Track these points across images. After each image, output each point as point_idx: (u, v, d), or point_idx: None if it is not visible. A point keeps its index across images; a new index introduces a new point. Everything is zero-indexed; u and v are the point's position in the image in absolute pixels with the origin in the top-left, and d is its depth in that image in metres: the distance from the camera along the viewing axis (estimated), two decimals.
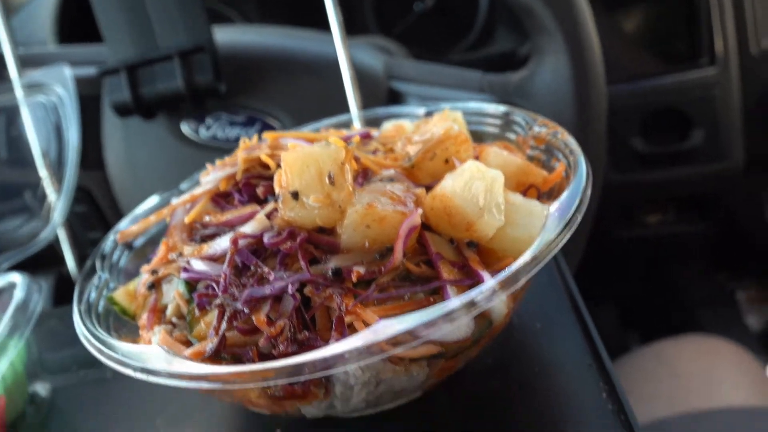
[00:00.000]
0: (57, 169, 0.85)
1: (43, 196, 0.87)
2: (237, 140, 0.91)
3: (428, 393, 0.53)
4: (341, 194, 0.48)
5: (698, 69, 1.21)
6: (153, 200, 0.70)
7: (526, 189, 0.56)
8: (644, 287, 1.69)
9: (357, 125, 0.78)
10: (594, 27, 0.85)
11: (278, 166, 0.55)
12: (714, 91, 1.21)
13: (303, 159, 0.49)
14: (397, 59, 1.01)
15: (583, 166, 0.51)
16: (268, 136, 0.57)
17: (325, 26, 1.05)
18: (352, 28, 1.49)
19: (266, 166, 0.56)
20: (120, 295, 0.55)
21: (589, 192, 0.49)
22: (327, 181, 0.48)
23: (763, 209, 1.34)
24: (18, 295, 0.62)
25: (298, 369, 0.39)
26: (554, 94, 0.86)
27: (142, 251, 0.63)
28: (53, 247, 0.93)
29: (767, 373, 1.16)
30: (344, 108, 0.86)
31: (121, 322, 0.55)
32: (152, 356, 0.43)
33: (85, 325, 0.49)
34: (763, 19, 1.19)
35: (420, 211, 0.47)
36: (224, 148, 0.92)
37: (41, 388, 0.68)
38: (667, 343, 1.18)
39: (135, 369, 0.43)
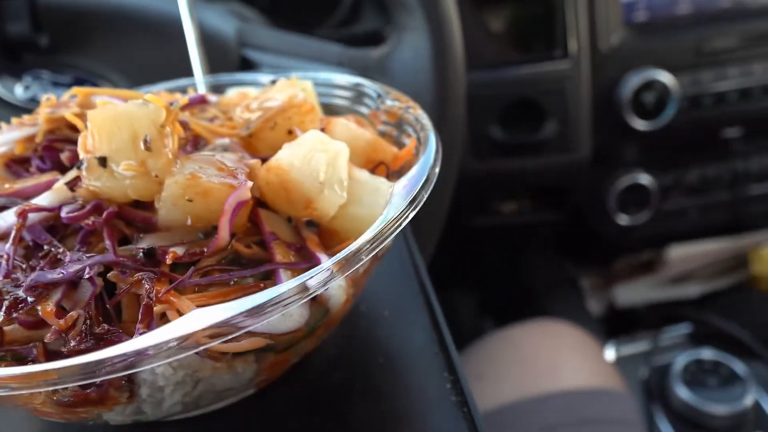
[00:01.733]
0: None
1: None
2: None
3: (263, 389, 0.48)
4: (159, 162, 0.41)
5: (552, 61, 1.24)
6: None
7: (375, 166, 0.52)
8: (498, 274, 1.74)
9: (201, 91, 0.70)
10: (453, 3, 0.83)
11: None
12: (566, 84, 1.25)
13: (114, 119, 0.41)
14: (252, 26, 0.94)
15: (432, 141, 0.48)
16: (77, 92, 0.48)
17: None
18: None
19: (75, 128, 0.48)
20: None
21: (437, 169, 0.46)
22: (142, 146, 0.41)
23: (606, 202, 1.42)
24: None
25: (88, 369, 0.32)
26: (413, 72, 0.83)
27: None
28: None
29: (604, 354, 1.23)
30: (190, 73, 0.78)
31: None
32: None
33: None
34: (613, 17, 1.25)
35: (250, 183, 0.41)
36: None
37: None
38: (515, 328, 1.21)
39: None
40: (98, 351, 0.33)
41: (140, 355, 0.32)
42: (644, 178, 1.40)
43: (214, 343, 0.34)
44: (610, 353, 1.49)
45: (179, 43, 0.79)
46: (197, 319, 0.34)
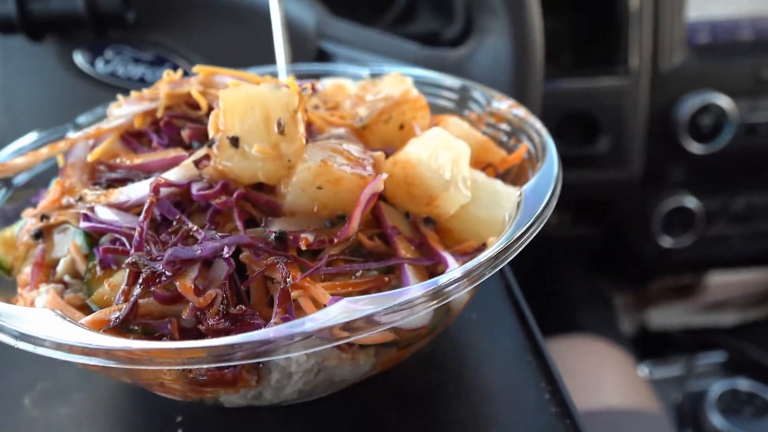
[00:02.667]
0: None
1: None
2: (140, 80, 0.80)
3: (361, 382, 0.47)
4: (292, 146, 0.41)
5: (612, 77, 1.23)
6: (31, 137, 0.57)
7: (485, 167, 0.51)
8: (533, 285, 1.73)
9: (283, 79, 0.70)
10: (539, 11, 0.82)
11: (211, 108, 0.47)
12: (623, 101, 1.25)
13: (248, 100, 0.41)
14: (330, 18, 0.93)
15: (553, 150, 0.48)
16: (200, 70, 0.48)
17: None
18: None
19: (194, 106, 0.48)
20: None
21: (560, 178, 0.45)
22: (276, 129, 0.41)
23: (650, 222, 1.41)
24: None
25: (234, 350, 0.32)
26: (492, 77, 0.83)
27: (22, 192, 0.52)
28: None
29: (638, 373, 1.22)
30: (265, 59, 0.78)
31: None
32: (40, 321, 0.34)
33: None
34: (677, 38, 1.24)
35: (384, 176, 0.41)
36: (123, 88, 0.79)
37: None
38: (557, 341, 1.21)
39: (15, 336, 0.33)
40: (242, 333, 0.32)
41: (284, 342, 0.32)
42: (690, 202, 1.38)
43: (354, 338, 0.34)
44: (643, 375, 1.48)
45: (258, 29, 0.79)
46: (343, 311, 0.33)
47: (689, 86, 1.27)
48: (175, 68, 0.80)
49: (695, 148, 1.27)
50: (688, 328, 1.60)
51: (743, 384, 1.31)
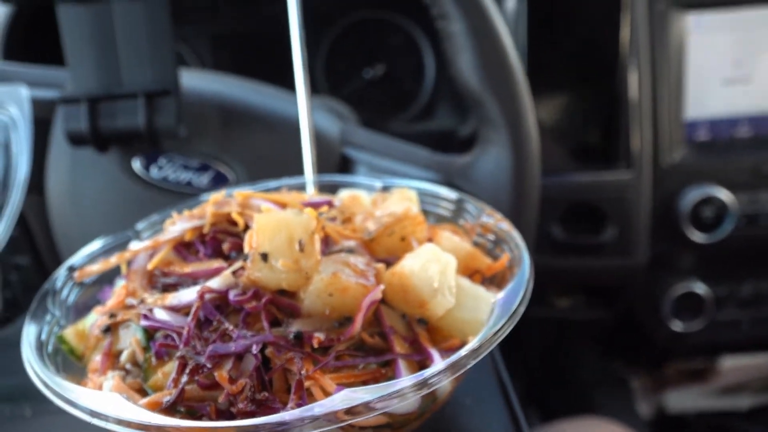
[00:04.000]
0: None
1: None
2: (188, 184, 0.92)
3: None
4: (309, 261, 0.51)
5: (615, 171, 1.33)
6: (97, 244, 0.68)
7: (472, 273, 0.61)
8: (546, 367, 1.78)
9: (309, 190, 0.81)
10: (536, 125, 0.94)
11: (246, 225, 0.58)
12: (627, 193, 1.33)
13: (276, 224, 0.52)
14: (352, 126, 1.06)
15: (527, 261, 0.57)
16: (238, 195, 0.59)
17: (275, 72, 1.09)
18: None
19: (233, 223, 0.59)
20: (70, 334, 0.55)
21: (531, 285, 0.54)
22: (297, 247, 0.51)
23: (660, 307, 1.46)
24: None
25: (258, 430, 0.41)
26: (494, 182, 0.93)
27: (89, 288, 0.63)
28: None
29: None
30: (296, 165, 0.90)
31: (68, 363, 0.54)
32: (109, 402, 0.44)
33: (38, 363, 0.49)
34: (676, 135, 1.34)
35: (382, 287, 0.51)
36: (173, 191, 0.92)
37: None
38: (567, 425, 1.25)
39: (89, 413, 0.43)
40: (263, 415, 0.42)
41: (297, 423, 0.41)
42: (699, 287, 1.44)
43: (353, 420, 0.43)
44: None
45: (290, 139, 0.92)
46: (343, 399, 0.42)
47: (690, 180, 1.35)
48: (218, 174, 0.93)
49: (698, 237, 1.34)
50: (704, 412, 1.62)
51: None
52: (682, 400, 1.65)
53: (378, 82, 1.72)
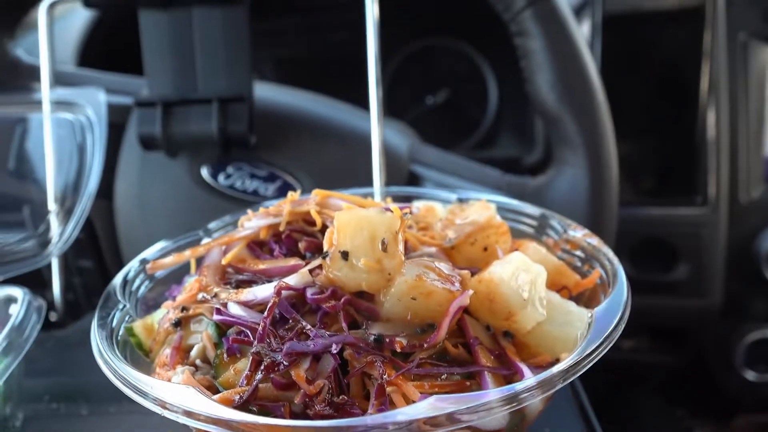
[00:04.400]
0: (70, 192, 0.83)
1: (46, 217, 0.85)
2: (254, 193, 0.91)
3: None
4: (393, 262, 0.48)
5: (690, 207, 1.27)
6: (160, 245, 0.67)
7: (559, 290, 0.57)
8: (605, 410, 1.68)
9: (378, 199, 0.79)
10: (615, 147, 0.90)
11: (325, 225, 0.55)
12: (703, 231, 1.27)
13: (358, 221, 0.49)
14: (420, 144, 1.04)
15: (623, 278, 0.53)
16: (317, 193, 0.57)
17: (338, 94, 1.08)
18: (366, 107, 1.55)
19: (309, 222, 0.56)
20: (139, 327, 0.53)
21: (629, 305, 0.50)
22: (380, 246, 0.48)
23: (732, 354, 1.38)
24: (18, 312, 0.59)
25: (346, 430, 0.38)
26: (569, 205, 0.89)
27: (159, 285, 0.61)
28: (40, 268, 0.89)
29: None
30: (363, 180, 0.88)
31: (134, 357, 0.52)
32: (181, 394, 0.41)
33: (109, 351, 0.47)
34: (755, 171, 1.27)
35: (470, 292, 0.47)
36: (240, 199, 0.91)
37: (13, 416, 0.64)
38: None
39: (160, 405, 0.41)
40: (345, 418, 0.39)
41: (382, 428, 0.38)
42: None
43: (438, 431, 0.39)
44: None
45: (359, 154, 0.90)
46: (430, 407, 0.39)
47: None
48: (284, 184, 0.92)
49: None
50: None
51: None
52: None
53: (440, 109, 1.71)
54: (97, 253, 0.98)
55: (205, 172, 0.92)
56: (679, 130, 1.29)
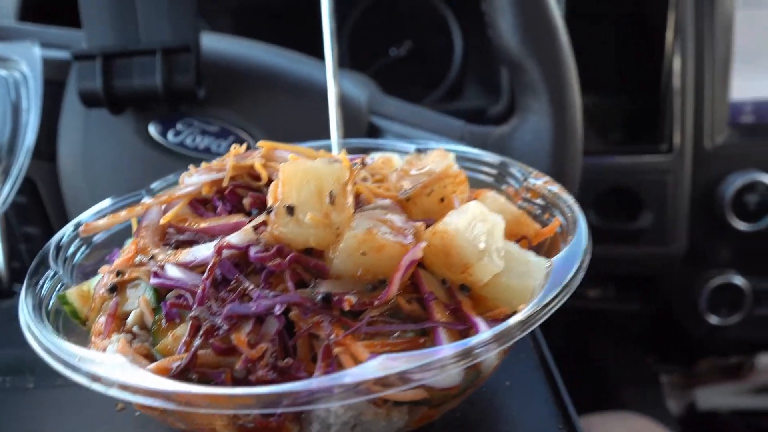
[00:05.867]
0: (5, 152, 0.78)
1: None
2: (206, 150, 0.87)
3: None
4: (341, 215, 0.45)
5: (655, 155, 1.26)
6: (106, 203, 0.64)
7: (518, 239, 0.55)
8: (576, 359, 1.71)
9: (335, 152, 0.76)
10: (579, 93, 0.87)
11: (270, 179, 0.52)
12: (667, 178, 1.26)
13: (304, 173, 0.46)
14: (381, 95, 1.00)
15: (583, 225, 0.51)
16: (262, 145, 0.53)
17: (301, 50, 1.03)
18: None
19: (255, 177, 0.53)
20: (73, 294, 0.50)
21: (589, 253, 0.48)
22: (327, 199, 0.45)
23: (697, 299, 1.39)
24: None
25: (281, 399, 0.35)
26: (532, 155, 0.87)
27: (99, 250, 0.58)
28: None
29: None
30: (320, 133, 0.84)
31: (68, 328, 0.49)
32: (112, 365, 0.38)
33: (34, 322, 0.44)
34: (719, 117, 1.26)
35: (423, 244, 0.45)
36: (191, 157, 0.87)
37: None
38: (595, 418, 1.19)
39: (90, 378, 0.38)
40: (288, 383, 0.36)
41: (326, 393, 0.36)
42: (738, 280, 1.37)
43: (389, 392, 0.37)
44: None
45: (315, 106, 0.86)
46: (378, 367, 0.37)
47: (733, 165, 1.28)
48: (237, 140, 0.88)
49: (741, 226, 1.27)
50: (738, 410, 1.55)
51: None
52: (714, 397, 1.57)
53: (404, 60, 1.66)
54: (44, 218, 0.93)
55: (153, 130, 0.88)
56: (645, 79, 1.27)
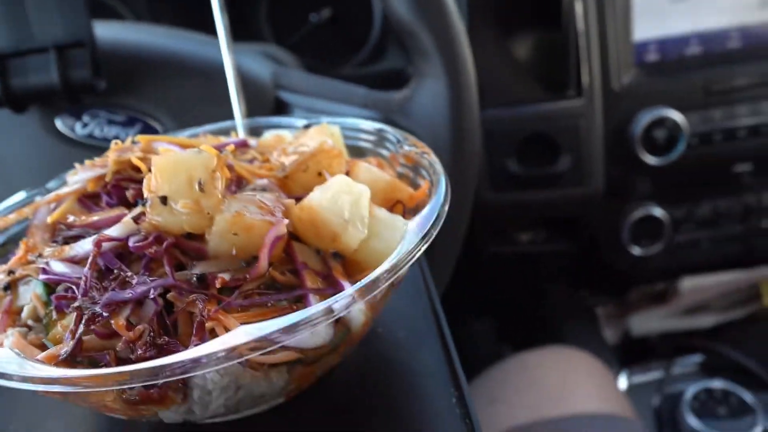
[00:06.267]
0: None
1: None
2: (115, 140, 0.89)
3: (292, 399, 0.55)
4: (210, 201, 0.49)
5: (566, 100, 1.31)
6: (18, 196, 0.67)
7: (393, 204, 0.59)
8: (516, 301, 1.79)
9: (240, 133, 0.79)
10: (470, 54, 0.91)
11: (150, 170, 0.55)
12: (579, 121, 1.32)
13: (174, 164, 0.49)
14: (285, 69, 1.03)
15: (442, 184, 0.55)
16: (141, 139, 0.56)
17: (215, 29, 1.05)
18: (245, 35, 1.50)
19: (138, 169, 0.56)
20: None
21: (446, 209, 0.53)
22: (197, 187, 0.49)
23: (620, 234, 1.47)
24: None
25: (154, 372, 0.39)
26: (431, 115, 0.91)
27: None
28: None
29: (617, 383, 1.27)
30: (230, 114, 0.87)
31: None
32: (2, 359, 0.42)
33: None
34: (625, 58, 1.31)
35: (286, 221, 0.49)
36: (101, 147, 0.88)
37: None
38: (530, 354, 1.27)
39: None
40: (160, 358, 0.40)
41: (195, 363, 0.40)
42: (657, 211, 1.45)
43: (255, 355, 0.41)
44: (623, 381, 1.53)
45: (221, 86, 0.88)
46: (241, 334, 0.41)
47: (642, 103, 1.34)
48: (146, 127, 0.90)
49: (652, 160, 1.34)
50: (668, 333, 1.65)
51: (717, 383, 1.36)
52: (646, 323, 1.68)
53: (326, 26, 1.67)
54: None
55: (60, 124, 0.89)
56: (550, 25, 1.31)
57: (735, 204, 1.49)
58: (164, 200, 0.49)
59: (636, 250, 1.47)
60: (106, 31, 0.90)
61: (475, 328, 1.83)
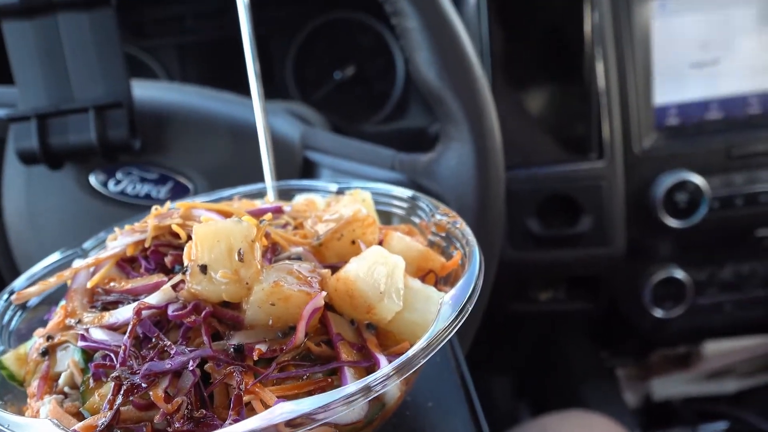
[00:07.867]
0: None
1: None
2: (147, 197, 0.91)
3: None
4: (249, 271, 0.50)
5: (588, 161, 1.32)
6: (54, 257, 0.68)
7: (425, 274, 0.59)
8: (535, 361, 1.77)
9: (270, 196, 0.80)
10: (497, 120, 0.92)
11: (189, 237, 0.56)
12: (601, 183, 1.33)
13: (214, 234, 0.50)
14: (313, 129, 1.05)
15: (476, 257, 0.56)
16: (180, 205, 0.58)
17: (245, 83, 1.08)
18: (271, 91, 1.53)
19: (177, 235, 0.57)
20: (9, 358, 0.54)
21: (480, 283, 0.53)
22: (236, 257, 0.50)
23: (641, 295, 1.46)
24: None
25: None
26: (457, 178, 0.92)
27: (35, 311, 0.61)
28: None
29: None
30: (259, 173, 0.88)
31: (6, 388, 0.52)
32: (37, 429, 0.42)
33: None
34: (645, 122, 1.33)
35: (324, 293, 0.49)
36: (133, 204, 0.91)
37: None
38: (550, 418, 1.24)
39: None
40: None
41: None
42: (679, 273, 1.44)
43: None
44: None
45: (251, 144, 0.90)
46: (280, 411, 0.41)
47: (663, 166, 1.35)
48: (177, 185, 0.92)
49: (674, 223, 1.33)
50: (690, 397, 1.62)
51: None
52: (668, 387, 1.64)
53: (349, 84, 1.71)
54: None
55: (94, 180, 0.91)
56: (572, 88, 1.33)
57: (758, 268, 1.48)
58: (204, 269, 0.50)
59: (658, 312, 1.46)
60: (141, 90, 0.93)
61: (492, 386, 1.81)
